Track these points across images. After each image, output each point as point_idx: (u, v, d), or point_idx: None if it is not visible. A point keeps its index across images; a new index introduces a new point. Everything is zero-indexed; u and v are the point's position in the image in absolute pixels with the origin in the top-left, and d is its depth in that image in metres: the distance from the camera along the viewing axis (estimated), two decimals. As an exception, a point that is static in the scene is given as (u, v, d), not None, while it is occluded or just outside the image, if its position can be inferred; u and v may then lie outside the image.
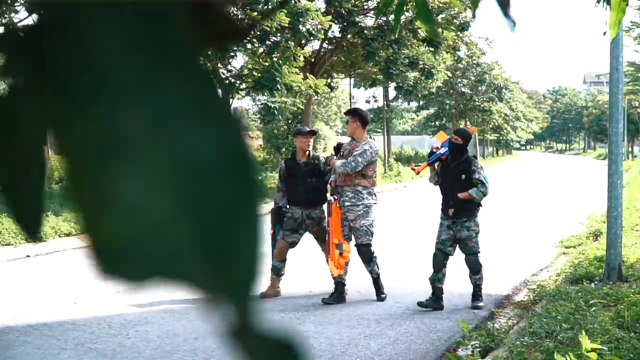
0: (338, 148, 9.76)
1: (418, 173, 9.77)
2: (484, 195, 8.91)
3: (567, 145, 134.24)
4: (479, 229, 9.09)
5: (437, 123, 57.72)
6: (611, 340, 6.60)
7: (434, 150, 9.35)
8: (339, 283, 9.39)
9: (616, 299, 8.59)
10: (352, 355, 7.22)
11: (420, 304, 9.00)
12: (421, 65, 27.10)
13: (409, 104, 60.92)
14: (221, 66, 24.21)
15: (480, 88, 54.86)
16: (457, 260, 9.51)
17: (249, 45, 22.66)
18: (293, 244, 9.75)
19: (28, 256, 13.65)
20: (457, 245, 9.09)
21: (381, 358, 7.18)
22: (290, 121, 31.49)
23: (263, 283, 9.40)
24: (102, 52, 0.55)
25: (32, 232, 0.82)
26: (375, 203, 9.47)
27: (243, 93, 24.93)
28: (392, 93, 42.21)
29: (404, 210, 21.70)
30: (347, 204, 9.29)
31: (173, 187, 0.53)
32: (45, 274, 11.61)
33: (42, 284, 10.74)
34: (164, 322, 8.46)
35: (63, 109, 0.55)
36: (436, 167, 9.37)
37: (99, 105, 0.54)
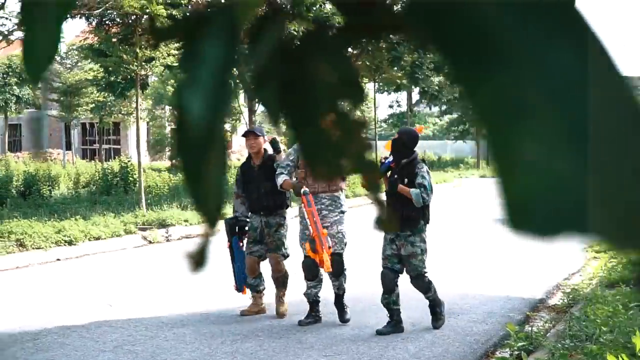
0: (275, 145, 8.98)
1: None
2: (424, 202, 7.89)
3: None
4: (426, 247, 8.17)
5: (460, 128, 57.47)
6: (652, 343, 6.57)
7: (382, 160, 8.23)
8: (314, 302, 8.62)
9: (653, 302, 8.54)
10: (390, 358, 7.22)
11: (379, 332, 8.11)
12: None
13: (430, 109, 60.72)
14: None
15: (503, 92, 54.54)
16: (485, 264, 9.43)
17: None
18: (261, 257, 8.94)
19: (59, 259, 13.75)
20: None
21: (419, 361, 7.19)
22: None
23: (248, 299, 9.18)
24: (502, 25, 0.60)
25: (211, 220, 0.83)
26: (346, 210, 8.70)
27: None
28: (414, 97, 42.13)
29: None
30: (323, 212, 8.41)
31: (574, 148, 0.57)
32: (76, 277, 11.68)
33: (75, 287, 10.81)
34: (200, 324, 8.49)
35: (471, 76, 0.60)
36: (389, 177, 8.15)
37: (503, 73, 0.60)
